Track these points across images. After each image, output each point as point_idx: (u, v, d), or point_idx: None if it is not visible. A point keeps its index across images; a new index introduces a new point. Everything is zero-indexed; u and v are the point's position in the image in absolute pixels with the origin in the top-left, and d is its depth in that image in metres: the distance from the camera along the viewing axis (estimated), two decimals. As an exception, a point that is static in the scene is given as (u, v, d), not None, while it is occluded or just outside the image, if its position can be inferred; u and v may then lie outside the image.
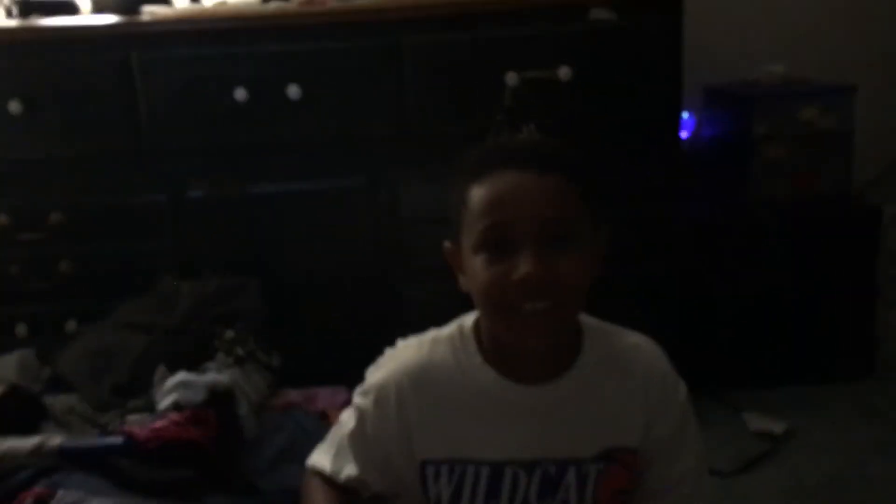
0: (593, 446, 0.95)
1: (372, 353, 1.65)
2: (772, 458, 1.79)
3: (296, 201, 1.82)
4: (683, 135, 2.03)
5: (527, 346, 0.91)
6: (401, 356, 1.00)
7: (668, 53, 1.74)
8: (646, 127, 1.79)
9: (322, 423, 1.62)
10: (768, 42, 2.25)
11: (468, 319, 0.98)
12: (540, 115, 1.73)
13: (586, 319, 0.98)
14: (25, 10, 1.84)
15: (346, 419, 1.02)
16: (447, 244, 0.95)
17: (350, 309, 1.85)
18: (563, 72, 1.70)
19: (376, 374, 1.00)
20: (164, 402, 1.45)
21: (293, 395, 1.71)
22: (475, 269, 0.88)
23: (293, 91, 1.72)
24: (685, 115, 2.15)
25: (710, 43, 2.19)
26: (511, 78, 1.70)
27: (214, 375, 1.51)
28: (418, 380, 0.96)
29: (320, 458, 1.04)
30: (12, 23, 1.83)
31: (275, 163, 1.81)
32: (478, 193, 0.89)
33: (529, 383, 0.93)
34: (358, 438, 0.99)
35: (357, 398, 1.01)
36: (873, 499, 1.65)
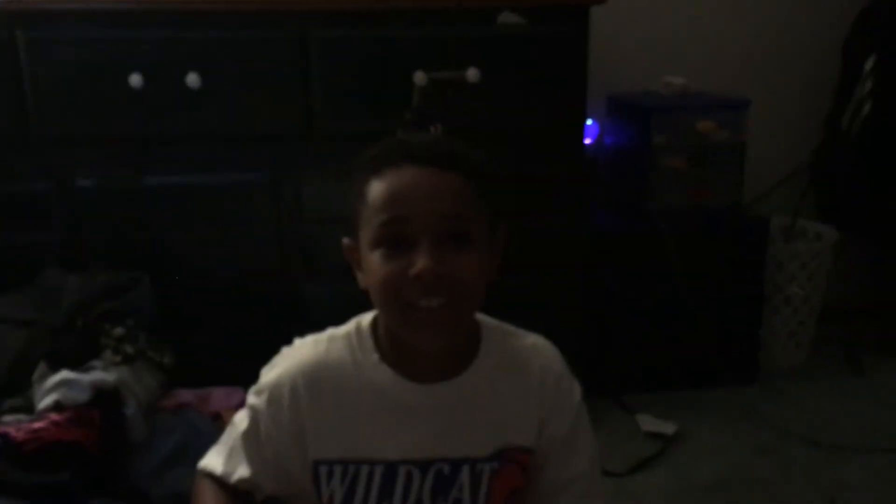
0: (488, 446, 0.95)
1: (270, 353, 1.60)
2: (662, 459, 1.85)
3: (194, 195, 1.76)
4: (587, 141, 2.07)
5: (423, 344, 0.91)
6: (296, 354, 0.98)
7: (574, 61, 1.77)
8: (551, 132, 1.81)
9: (216, 425, 1.58)
10: (670, 54, 2.33)
11: (366, 318, 0.98)
12: (447, 115, 1.74)
13: (484, 319, 0.99)
14: None
15: (240, 420, 0.99)
16: (346, 241, 0.94)
17: (248, 307, 1.80)
18: (472, 74, 1.71)
19: (270, 372, 0.98)
20: (45, 402, 1.38)
21: (186, 395, 1.65)
22: (372, 266, 0.88)
23: (192, 79, 1.66)
24: (589, 121, 2.19)
25: (615, 52, 2.25)
26: (419, 78, 1.69)
27: (100, 374, 1.45)
28: (313, 378, 0.94)
29: (212, 459, 1.00)
30: None
31: (172, 154, 1.75)
32: (377, 188, 0.88)
33: (426, 382, 0.93)
34: (251, 438, 0.96)
35: (251, 397, 0.98)
36: (758, 499, 1.72)
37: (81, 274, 1.68)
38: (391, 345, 0.93)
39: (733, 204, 2.14)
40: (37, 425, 1.32)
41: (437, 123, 1.69)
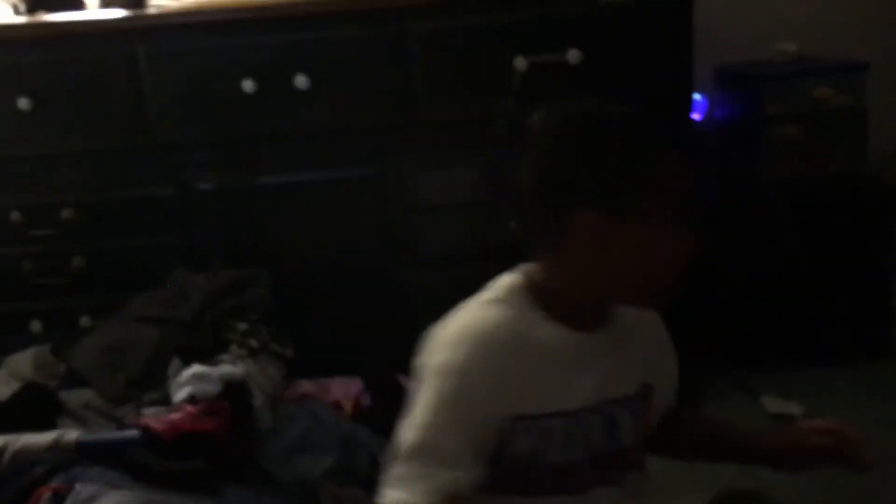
0: (635, 385, 1.00)
1: (382, 343, 1.65)
2: (790, 441, 1.78)
3: (304, 192, 1.81)
4: (696, 116, 2.01)
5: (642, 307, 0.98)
6: (468, 323, 0.97)
7: (679, 35, 1.72)
8: (657, 110, 1.76)
9: (336, 413, 1.62)
10: (779, 21, 2.23)
11: (510, 280, 0.99)
12: (549, 99, 1.73)
13: None
14: (32, 6, 1.83)
15: (415, 436, 0.91)
16: (589, 213, 0.90)
17: (359, 299, 1.85)
18: (573, 55, 1.69)
19: (443, 353, 0.95)
20: (180, 395, 1.45)
21: (307, 385, 1.71)
22: (662, 242, 0.90)
23: (301, 81, 1.71)
24: (697, 96, 2.13)
25: (720, 23, 2.16)
26: (520, 62, 1.69)
27: (228, 367, 1.51)
28: (495, 340, 0.94)
29: (401, 495, 0.89)
30: (19, 19, 1.83)
31: (283, 153, 1.81)
32: (669, 163, 0.91)
33: (589, 331, 0.96)
34: (456, 427, 0.90)
35: (434, 387, 0.94)
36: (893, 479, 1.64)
37: (206, 273, 1.77)
38: (561, 302, 0.95)
39: (856, 173, 2.03)
40: (174, 417, 1.39)
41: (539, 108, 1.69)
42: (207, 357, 1.56)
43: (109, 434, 1.43)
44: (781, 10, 2.24)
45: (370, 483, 1.00)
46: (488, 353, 0.93)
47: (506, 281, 1.00)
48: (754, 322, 2.05)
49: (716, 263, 1.98)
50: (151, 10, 1.77)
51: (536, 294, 0.97)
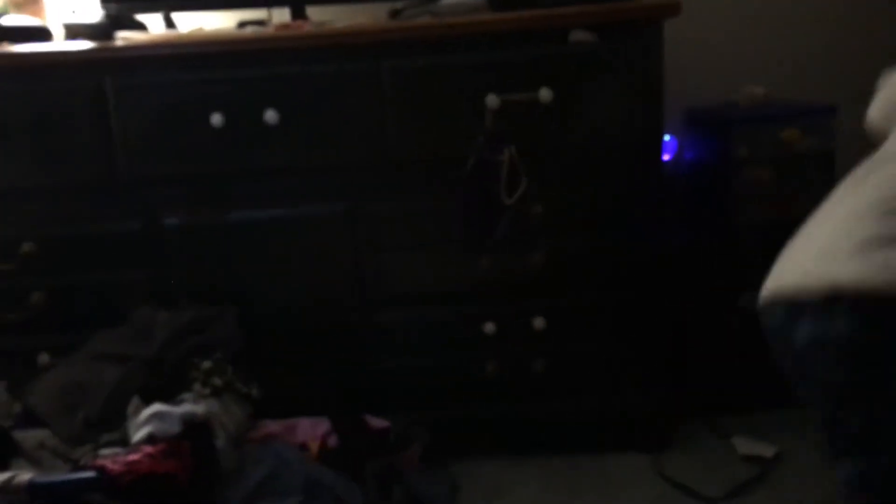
0: None
1: (349, 383, 1.62)
2: (762, 483, 1.77)
3: (273, 229, 1.79)
4: (666, 158, 2.02)
5: None
6: None
7: (649, 75, 1.73)
8: (628, 149, 1.78)
9: (303, 455, 1.59)
10: (748, 64, 2.27)
11: None
12: (521, 137, 1.74)
13: None
14: (-2, 37, 1.81)
15: None
16: None
17: (327, 338, 1.82)
18: (544, 94, 1.69)
19: None
20: (139, 435, 1.41)
21: (273, 426, 1.67)
22: None
23: (270, 116, 1.70)
24: (667, 137, 2.15)
25: (691, 65, 2.20)
26: (492, 101, 1.69)
27: (190, 406, 1.48)
28: None
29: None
30: (-15, 50, 1.80)
31: (252, 190, 1.79)
32: None
33: None
34: None
35: None
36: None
37: (171, 310, 1.73)
38: None
39: (824, 215, 2.05)
40: (132, 457, 1.35)
41: (510, 145, 1.69)
42: (169, 396, 1.52)
43: (64, 476, 1.38)
44: (751, 52, 2.28)
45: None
46: None
47: None
48: (725, 363, 2.04)
49: (686, 305, 1.98)
50: (119, 43, 1.75)
51: None
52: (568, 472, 1.85)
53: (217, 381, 1.60)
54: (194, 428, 1.45)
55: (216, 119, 1.70)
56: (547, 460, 1.90)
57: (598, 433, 1.92)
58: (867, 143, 2.32)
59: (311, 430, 1.67)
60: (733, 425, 1.98)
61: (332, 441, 1.66)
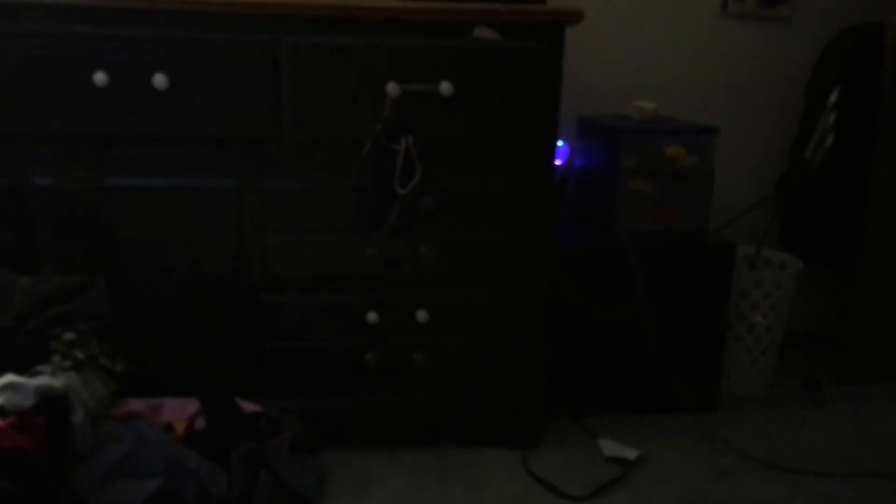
0: None
1: (229, 364, 1.56)
2: (622, 484, 1.83)
3: (155, 198, 1.71)
4: (558, 162, 2.06)
5: None
6: None
7: (548, 77, 1.76)
8: (522, 147, 1.80)
9: (165, 435, 1.53)
10: (642, 79, 2.36)
11: None
12: (418, 127, 1.73)
13: None
14: None
15: None
16: None
17: (207, 315, 1.76)
18: (445, 87, 1.69)
19: None
20: (-13, 407, 1.31)
21: (137, 404, 1.60)
22: None
23: (160, 80, 1.62)
24: (560, 142, 2.19)
25: (588, 73, 2.26)
26: (392, 89, 1.67)
27: (47, 379, 1.39)
28: None
29: None
30: None
31: (134, 155, 1.70)
32: None
33: None
34: None
35: None
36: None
37: (33, 275, 1.63)
38: None
39: (700, 230, 2.15)
40: (-23, 430, 1.26)
41: (407, 135, 1.68)
42: (25, 367, 1.43)
43: None
44: (645, 69, 2.36)
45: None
46: None
47: None
48: (595, 364, 2.11)
49: (563, 306, 2.03)
50: (-1, -14, 1.63)
51: None
52: (438, 465, 1.86)
53: (79, 355, 1.52)
54: (50, 402, 1.37)
55: (100, 77, 1.61)
56: (418, 453, 1.90)
57: (471, 428, 1.94)
58: (744, 163, 2.46)
59: (179, 410, 1.61)
60: (601, 426, 2.05)
61: (200, 423, 1.60)
